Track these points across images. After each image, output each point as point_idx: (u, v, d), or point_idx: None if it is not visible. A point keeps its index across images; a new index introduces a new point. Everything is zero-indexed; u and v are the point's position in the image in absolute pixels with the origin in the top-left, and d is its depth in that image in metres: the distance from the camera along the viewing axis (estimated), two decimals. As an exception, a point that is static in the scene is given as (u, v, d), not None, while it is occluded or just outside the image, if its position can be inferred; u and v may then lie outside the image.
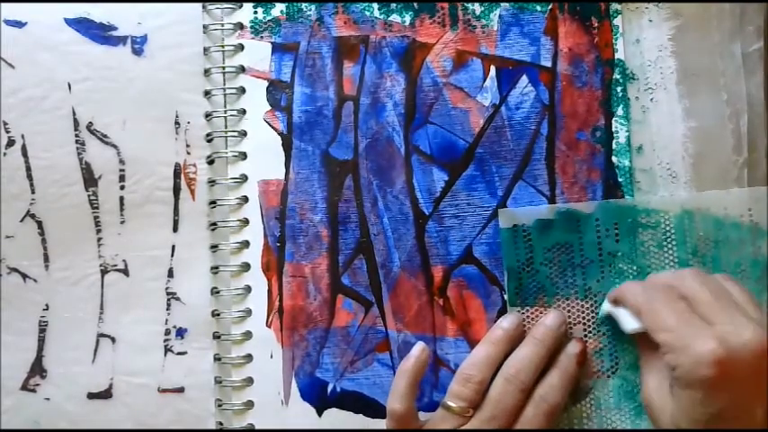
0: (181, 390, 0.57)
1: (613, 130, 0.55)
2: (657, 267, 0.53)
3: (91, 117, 0.57)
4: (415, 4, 0.56)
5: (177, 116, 0.57)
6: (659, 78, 0.55)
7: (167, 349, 0.57)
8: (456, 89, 0.56)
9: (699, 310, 0.45)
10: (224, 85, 0.58)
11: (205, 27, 0.58)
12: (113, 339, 0.57)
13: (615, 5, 0.55)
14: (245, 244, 0.57)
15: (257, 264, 0.57)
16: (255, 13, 0.57)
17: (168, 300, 0.57)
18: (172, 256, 0.57)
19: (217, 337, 0.57)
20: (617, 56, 0.55)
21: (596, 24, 0.55)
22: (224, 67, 0.57)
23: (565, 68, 0.55)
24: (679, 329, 0.45)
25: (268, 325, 0.56)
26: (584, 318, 0.54)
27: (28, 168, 0.57)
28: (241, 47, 0.57)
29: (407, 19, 0.56)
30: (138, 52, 0.57)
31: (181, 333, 0.57)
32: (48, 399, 0.57)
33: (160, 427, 0.56)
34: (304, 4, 0.57)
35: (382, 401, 0.55)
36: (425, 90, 0.56)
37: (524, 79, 0.55)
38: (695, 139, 0.54)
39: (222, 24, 0.58)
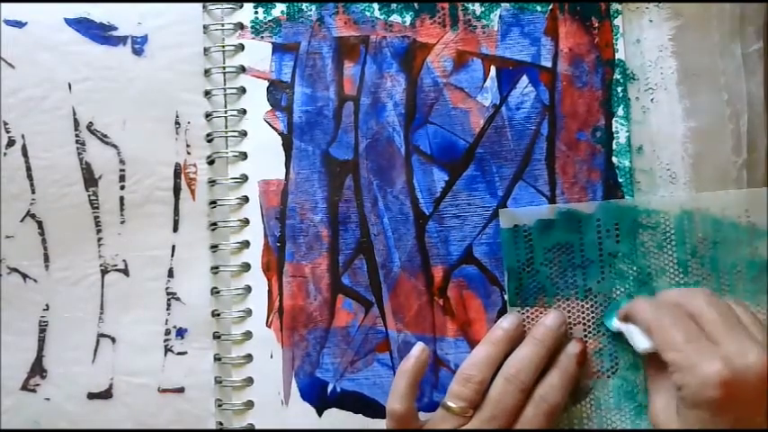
0: (181, 390, 0.57)
1: (614, 130, 0.55)
2: (657, 268, 0.53)
3: (91, 117, 0.57)
4: (416, 5, 0.56)
5: (177, 116, 0.57)
6: (659, 78, 0.55)
7: (167, 349, 0.57)
8: (456, 89, 0.56)
9: (706, 330, 0.46)
10: (224, 85, 0.58)
11: (205, 27, 0.58)
12: (113, 339, 0.57)
13: (615, 5, 0.55)
14: (246, 244, 0.57)
15: (257, 264, 0.57)
16: (256, 13, 0.57)
17: (168, 300, 0.57)
18: (172, 256, 0.57)
19: (217, 337, 0.57)
20: (617, 56, 0.55)
21: (597, 24, 0.55)
22: (224, 67, 0.57)
23: (565, 69, 0.55)
24: (687, 349, 0.45)
25: (268, 325, 0.56)
26: (584, 318, 0.54)
27: (28, 168, 0.57)
28: (241, 47, 0.57)
29: (408, 19, 0.56)
30: (138, 52, 0.57)
31: (181, 333, 0.57)
32: (48, 399, 0.57)
33: (160, 427, 0.56)
34: (304, 5, 0.57)
35: (382, 401, 0.55)
36: (426, 90, 0.56)
37: (525, 79, 0.55)
38: (695, 140, 0.54)
39: (222, 24, 0.58)
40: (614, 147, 0.55)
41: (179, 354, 0.57)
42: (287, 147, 0.57)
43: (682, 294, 0.49)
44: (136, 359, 0.57)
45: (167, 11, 0.57)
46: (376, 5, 0.57)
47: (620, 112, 0.55)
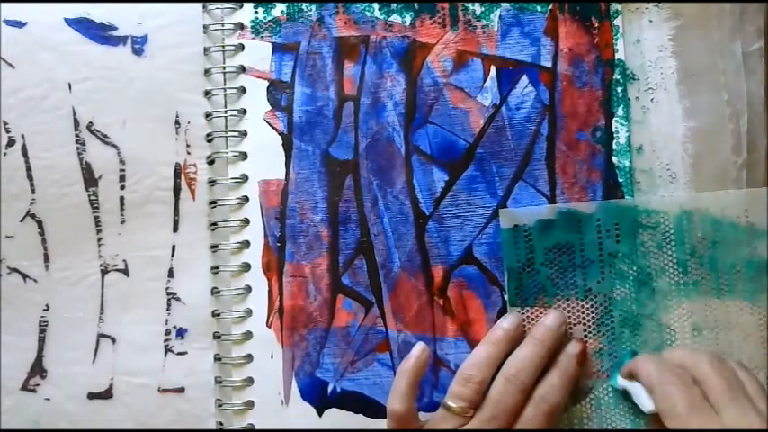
0: (181, 390, 0.56)
1: (614, 130, 0.55)
2: (657, 268, 0.53)
3: (91, 117, 0.57)
4: (416, 5, 0.56)
5: (177, 116, 0.57)
6: (659, 78, 0.55)
7: (167, 349, 0.57)
8: (456, 89, 0.56)
9: (709, 397, 0.46)
10: (224, 85, 0.58)
11: (205, 27, 0.58)
12: (113, 339, 0.57)
13: (615, 6, 0.55)
14: (246, 244, 0.57)
15: (257, 264, 0.57)
16: (256, 13, 0.57)
17: (168, 300, 0.57)
18: (172, 256, 0.57)
19: (217, 337, 0.57)
20: (617, 56, 0.55)
21: (596, 25, 0.55)
22: (224, 67, 0.57)
23: (565, 69, 0.55)
24: (689, 418, 0.45)
25: (268, 325, 0.56)
26: (584, 318, 0.54)
27: (28, 168, 0.57)
28: (241, 47, 0.57)
29: (408, 19, 0.56)
30: (138, 52, 0.57)
31: (181, 333, 0.57)
32: (48, 399, 0.57)
33: (160, 427, 0.56)
34: (304, 5, 0.57)
35: (382, 401, 0.55)
36: (426, 90, 0.56)
37: (524, 79, 0.55)
38: (695, 140, 0.54)
39: (222, 24, 0.58)
40: (614, 147, 0.55)
41: (179, 354, 0.57)
42: (287, 147, 0.57)
43: (687, 356, 0.49)
44: (136, 359, 0.57)
45: (167, 11, 0.57)
46: (376, 5, 0.57)
47: (620, 112, 0.55)
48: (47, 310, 0.57)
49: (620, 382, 0.52)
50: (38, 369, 0.57)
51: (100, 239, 0.57)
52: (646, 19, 0.55)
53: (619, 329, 0.53)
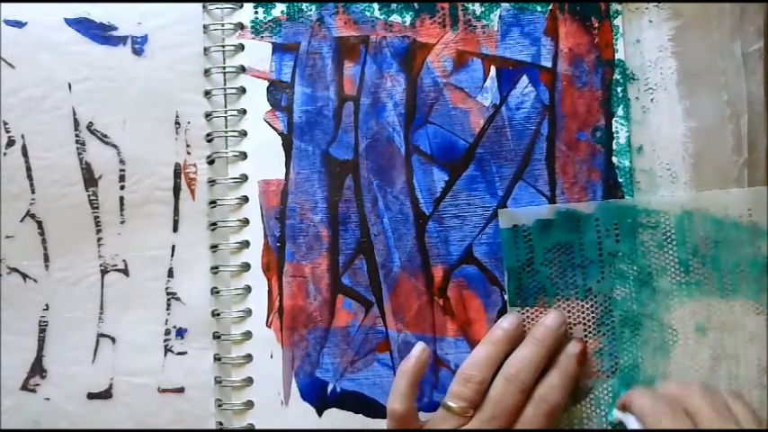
0: (181, 390, 0.56)
1: (614, 130, 0.54)
2: (658, 267, 0.53)
3: (91, 117, 0.57)
4: (416, 5, 0.56)
5: (177, 116, 0.57)
6: (659, 79, 0.55)
7: (167, 349, 0.56)
8: (456, 89, 0.56)
9: (700, 428, 0.46)
10: (224, 85, 0.57)
11: (205, 27, 0.57)
12: (113, 339, 0.57)
13: (615, 6, 0.55)
14: (245, 244, 0.57)
15: (257, 264, 0.57)
16: (256, 13, 0.57)
17: (168, 300, 0.57)
18: (172, 256, 0.57)
19: (217, 337, 0.56)
20: (617, 56, 0.55)
21: (596, 25, 0.55)
22: (224, 67, 0.57)
23: (565, 69, 0.55)
24: None
25: (268, 325, 0.56)
26: (584, 318, 0.54)
27: (28, 168, 0.57)
28: (241, 47, 0.57)
29: (408, 19, 0.56)
30: (138, 52, 0.57)
31: (181, 333, 0.56)
32: (48, 399, 0.57)
33: (160, 427, 0.56)
34: (304, 5, 0.57)
35: (382, 401, 0.55)
36: (426, 90, 0.56)
37: (524, 79, 0.55)
38: (695, 140, 0.54)
39: (222, 24, 0.57)
40: (614, 147, 0.54)
41: (179, 354, 0.56)
42: (287, 147, 0.57)
43: (680, 389, 0.49)
44: (136, 359, 0.57)
45: (167, 11, 0.57)
46: (376, 5, 0.56)
47: (620, 112, 0.55)
48: (47, 310, 0.57)
49: (616, 414, 0.52)
50: (38, 369, 0.57)
51: (100, 239, 0.57)
52: (645, 19, 0.55)
53: (619, 329, 0.53)
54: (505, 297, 0.54)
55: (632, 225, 0.53)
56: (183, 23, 0.57)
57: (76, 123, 0.57)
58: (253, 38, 0.57)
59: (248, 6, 0.57)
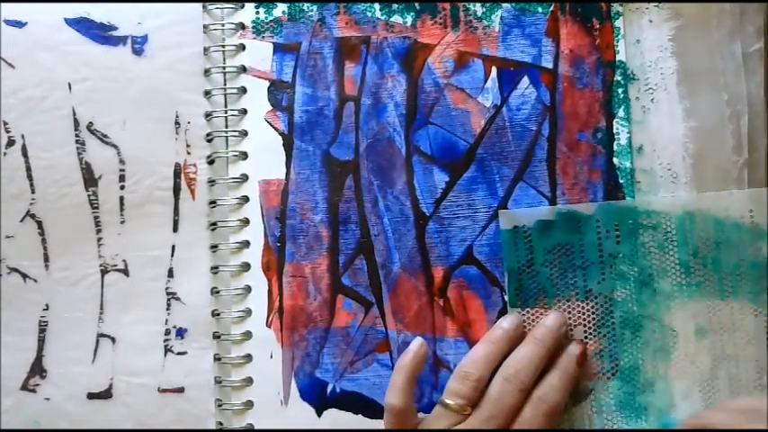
0: (181, 390, 0.56)
1: (615, 131, 0.54)
2: (658, 269, 0.53)
3: (91, 117, 0.57)
4: (417, 5, 0.56)
5: (177, 116, 0.57)
6: (660, 79, 0.54)
7: (167, 349, 0.56)
8: (457, 90, 0.55)
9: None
10: (224, 85, 0.57)
11: (205, 27, 0.57)
12: (113, 339, 0.56)
13: (617, 7, 0.55)
14: (246, 244, 0.56)
15: (257, 264, 0.56)
16: (257, 13, 0.57)
17: (168, 300, 0.56)
18: (172, 256, 0.57)
19: (217, 337, 0.56)
20: (618, 58, 0.55)
21: (597, 26, 0.55)
22: (224, 67, 0.57)
23: (566, 70, 0.55)
24: None
25: (268, 325, 0.56)
26: (584, 319, 0.53)
27: (28, 168, 0.57)
28: (242, 47, 0.57)
29: (409, 20, 0.56)
30: (138, 52, 0.57)
31: (181, 333, 0.56)
32: (48, 399, 0.57)
33: (160, 427, 0.56)
34: (306, 5, 0.57)
35: (382, 402, 0.54)
36: (426, 91, 0.56)
37: (525, 80, 0.55)
38: (695, 140, 0.54)
39: (223, 24, 0.57)
40: (615, 148, 0.54)
41: (179, 354, 0.56)
42: (287, 147, 0.56)
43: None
44: (136, 359, 0.56)
45: (167, 11, 0.57)
46: (377, 6, 0.56)
47: (621, 113, 0.54)
48: (47, 310, 0.57)
49: None
50: (38, 369, 0.57)
51: (100, 239, 0.57)
52: (646, 19, 0.55)
53: (620, 331, 0.53)
54: (506, 298, 0.54)
55: (633, 226, 0.53)
56: (183, 23, 0.57)
57: (76, 123, 0.57)
58: (254, 38, 0.57)
59: (249, 6, 0.57)
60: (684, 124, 0.54)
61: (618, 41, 0.55)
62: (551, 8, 0.55)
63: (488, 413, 0.49)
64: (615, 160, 0.54)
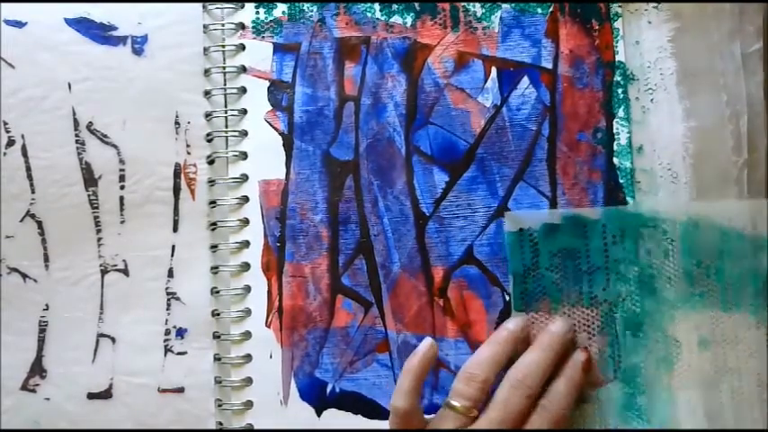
0: (181, 390, 0.56)
1: (615, 131, 0.54)
2: (663, 277, 0.52)
3: (91, 117, 0.56)
4: (417, 6, 0.56)
5: (177, 116, 0.57)
6: (659, 79, 0.54)
7: (167, 349, 0.56)
8: (457, 90, 0.55)
9: None
10: (224, 85, 0.57)
11: (205, 27, 0.57)
12: (113, 339, 0.56)
13: (616, 8, 0.54)
14: (245, 244, 0.56)
15: (257, 264, 0.56)
16: (257, 13, 0.57)
17: (168, 300, 0.56)
18: (172, 256, 0.56)
19: (217, 336, 0.56)
20: (618, 58, 0.54)
21: (597, 27, 0.55)
22: (224, 67, 0.57)
23: (566, 70, 0.55)
24: None
25: (267, 325, 0.56)
26: (588, 325, 0.53)
27: (28, 168, 0.56)
28: (242, 47, 0.57)
29: (409, 20, 0.56)
30: (138, 52, 0.57)
31: (181, 333, 0.56)
32: (48, 399, 0.56)
33: (160, 427, 0.56)
34: (306, 5, 0.57)
35: (381, 402, 0.55)
36: (426, 91, 0.55)
37: (525, 80, 0.55)
38: (695, 140, 0.54)
39: (223, 24, 0.57)
40: (615, 148, 0.54)
41: (179, 354, 0.56)
42: (287, 147, 0.56)
43: None
44: (136, 359, 0.56)
45: (167, 11, 0.57)
46: (377, 6, 0.56)
47: (621, 113, 0.54)
48: (47, 310, 0.56)
49: None
50: (38, 369, 0.56)
51: (100, 239, 0.56)
52: (645, 20, 0.55)
53: (623, 339, 0.52)
54: (506, 298, 0.54)
55: (639, 233, 0.52)
56: (183, 23, 0.57)
57: (76, 123, 0.56)
58: (254, 38, 0.57)
59: (249, 6, 0.57)
60: (684, 124, 0.54)
61: (617, 42, 0.54)
62: (551, 9, 0.55)
63: (496, 417, 0.48)
64: (615, 160, 0.54)
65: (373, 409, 0.55)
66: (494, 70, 0.55)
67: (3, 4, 0.57)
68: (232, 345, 0.56)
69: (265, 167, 0.56)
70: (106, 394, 0.56)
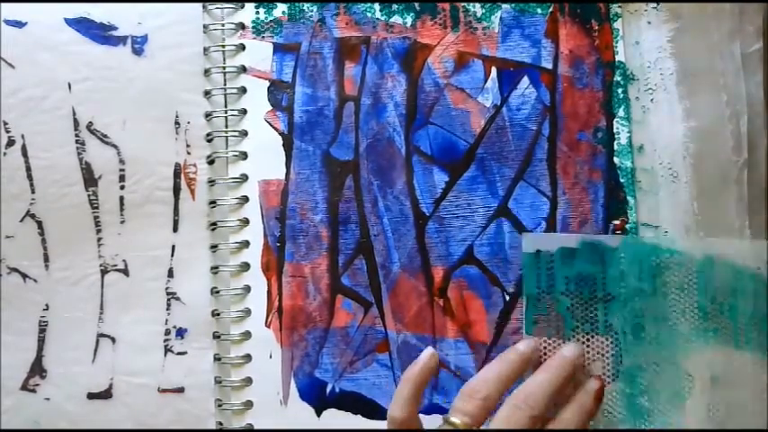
0: (181, 390, 0.56)
1: (615, 131, 0.54)
2: (677, 310, 0.51)
3: (91, 117, 0.56)
4: (417, 6, 0.55)
5: (177, 116, 0.56)
6: (659, 79, 0.54)
7: (167, 349, 0.56)
8: (457, 90, 0.55)
9: None
10: (224, 85, 0.57)
11: (205, 27, 0.57)
12: (113, 339, 0.56)
13: (615, 8, 0.54)
14: (245, 244, 0.56)
15: (257, 264, 0.56)
16: (257, 13, 0.57)
17: (168, 300, 0.56)
18: (172, 256, 0.56)
19: (216, 336, 0.56)
20: (617, 58, 0.54)
21: (596, 27, 0.55)
22: (224, 67, 0.57)
23: (566, 70, 0.54)
24: None
25: (267, 325, 0.55)
26: (602, 354, 0.51)
27: (28, 168, 0.56)
28: (242, 47, 0.57)
29: (409, 20, 0.56)
30: (138, 52, 0.56)
31: (181, 333, 0.56)
32: (48, 399, 0.56)
33: (160, 427, 0.55)
34: (306, 5, 0.56)
35: (381, 402, 0.54)
36: (426, 91, 0.55)
37: (525, 80, 0.55)
38: (695, 140, 0.53)
39: (223, 24, 0.57)
40: (615, 147, 0.54)
41: (179, 354, 0.56)
42: (287, 147, 0.56)
43: None
44: (136, 359, 0.56)
45: (167, 11, 0.57)
46: (377, 6, 0.56)
47: (621, 113, 0.54)
48: (47, 310, 0.56)
49: None
50: (38, 369, 0.56)
51: (100, 239, 0.56)
52: (644, 21, 0.55)
53: (637, 370, 0.51)
54: (506, 298, 0.53)
55: (656, 265, 0.52)
56: (183, 23, 0.57)
57: (76, 123, 0.56)
58: (254, 38, 0.57)
59: (249, 6, 0.57)
60: (684, 124, 0.54)
61: (617, 42, 0.54)
62: (550, 9, 0.55)
63: None
64: (616, 160, 0.54)
65: (373, 409, 0.54)
66: (494, 70, 0.55)
67: (3, 4, 0.56)
68: (232, 345, 0.55)
69: (265, 167, 0.56)
70: (106, 394, 0.56)
